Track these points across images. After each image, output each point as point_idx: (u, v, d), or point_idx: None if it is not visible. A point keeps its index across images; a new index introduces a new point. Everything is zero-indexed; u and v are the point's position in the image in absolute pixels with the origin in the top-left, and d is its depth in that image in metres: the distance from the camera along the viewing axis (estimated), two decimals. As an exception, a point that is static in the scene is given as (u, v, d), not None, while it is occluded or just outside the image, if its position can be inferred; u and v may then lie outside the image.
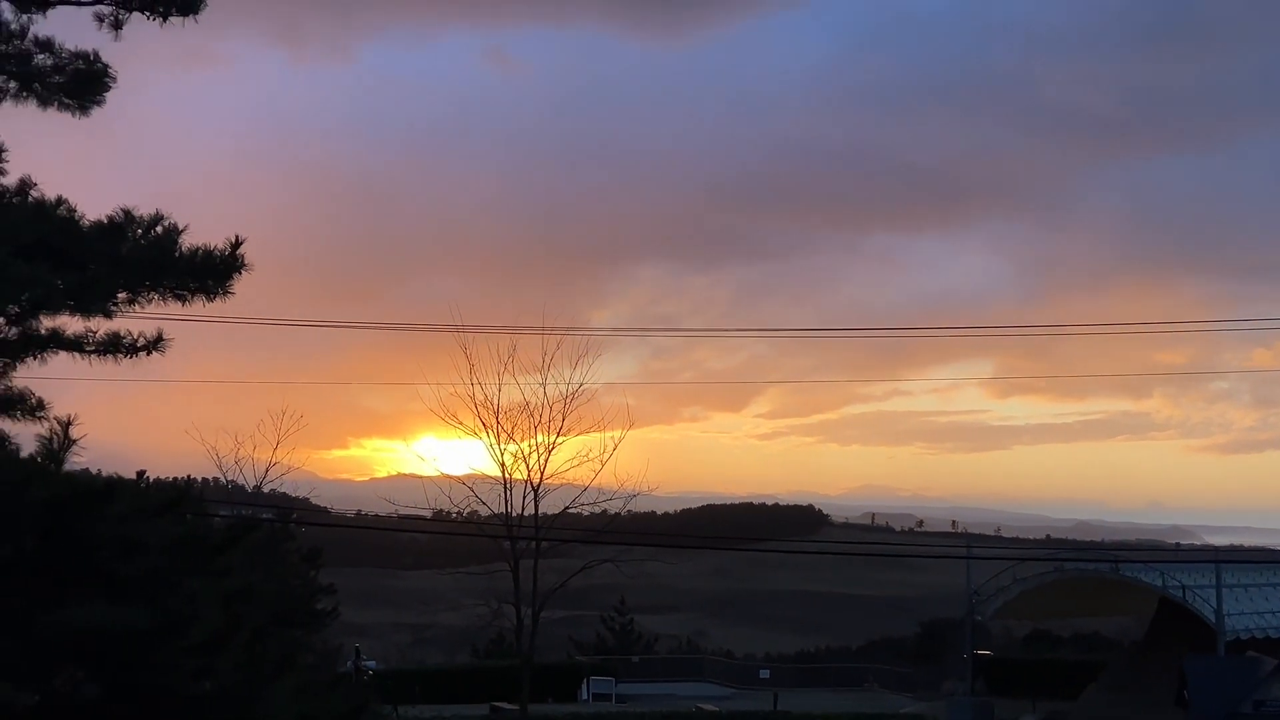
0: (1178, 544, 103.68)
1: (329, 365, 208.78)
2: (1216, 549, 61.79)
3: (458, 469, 44.03)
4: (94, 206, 15.47)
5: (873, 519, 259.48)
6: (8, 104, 15.69)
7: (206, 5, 15.44)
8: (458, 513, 45.51)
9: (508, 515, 42.25)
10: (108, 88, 15.84)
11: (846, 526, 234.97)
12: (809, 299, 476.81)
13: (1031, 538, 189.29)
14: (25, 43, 15.42)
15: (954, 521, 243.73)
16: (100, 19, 15.52)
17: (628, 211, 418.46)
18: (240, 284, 16.01)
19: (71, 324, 15.96)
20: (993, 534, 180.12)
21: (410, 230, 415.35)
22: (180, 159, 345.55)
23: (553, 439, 42.57)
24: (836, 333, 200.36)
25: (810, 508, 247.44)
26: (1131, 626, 66.04)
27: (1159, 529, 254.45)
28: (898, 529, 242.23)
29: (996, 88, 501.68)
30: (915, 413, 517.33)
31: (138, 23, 15.57)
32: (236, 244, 15.80)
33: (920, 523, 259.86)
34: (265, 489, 42.71)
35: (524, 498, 42.34)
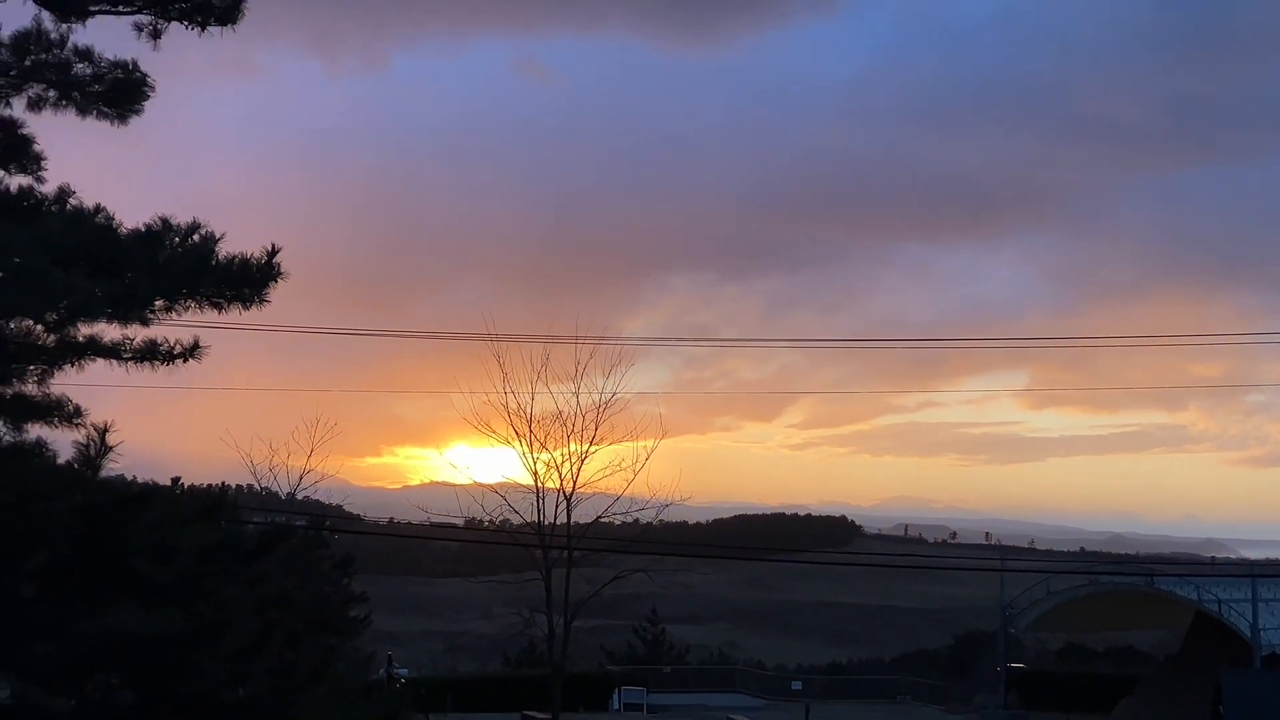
0: (1213, 558, 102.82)
1: (363, 373, 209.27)
2: (1252, 563, 61.35)
3: (490, 477, 44.16)
4: (132, 215, 15.57)
5: (905, 530, 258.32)
6: (47, 112, 15.81)
7: (244, 15, 15.53)
8: (490, 521, 45.59)
9: (540, 524, 42.27)
10: (146, 96, 15.94)
11: (879, 538, 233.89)
12: (842, 309, 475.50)
13: (1065, 550, 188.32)
14: (65, 52, 15.53)
15: (987, 533, 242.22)
16: (139, 28, 15.61)
17: (660, 221, 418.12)
18: (276, 292, 16.07)
19: (109, 331, 16.05)
20: (1026, 546, 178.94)
21: (443, 238, 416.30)
22: (217, 168, 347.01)
23: (585, 448, 42.64)
24: (869, 343, 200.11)
25: (843, 519, 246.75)
26: (1166, 640, 65.56)
27: (1194, 542, 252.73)
28: (931, 541, 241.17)
29: (1031, 98, 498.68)
30: (948, 424, 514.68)
31: (176, 32, 15.66)
32: (273, 252, 15.86)
33: (953, 534, 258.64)
34: (299, 496, 42.92)
35: (556, 506, 42.41)
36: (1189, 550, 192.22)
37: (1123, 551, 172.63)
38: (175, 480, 16.62)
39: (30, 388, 16.47)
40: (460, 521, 44.73)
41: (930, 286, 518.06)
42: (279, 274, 15.94)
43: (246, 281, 15.72)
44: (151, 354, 16.27)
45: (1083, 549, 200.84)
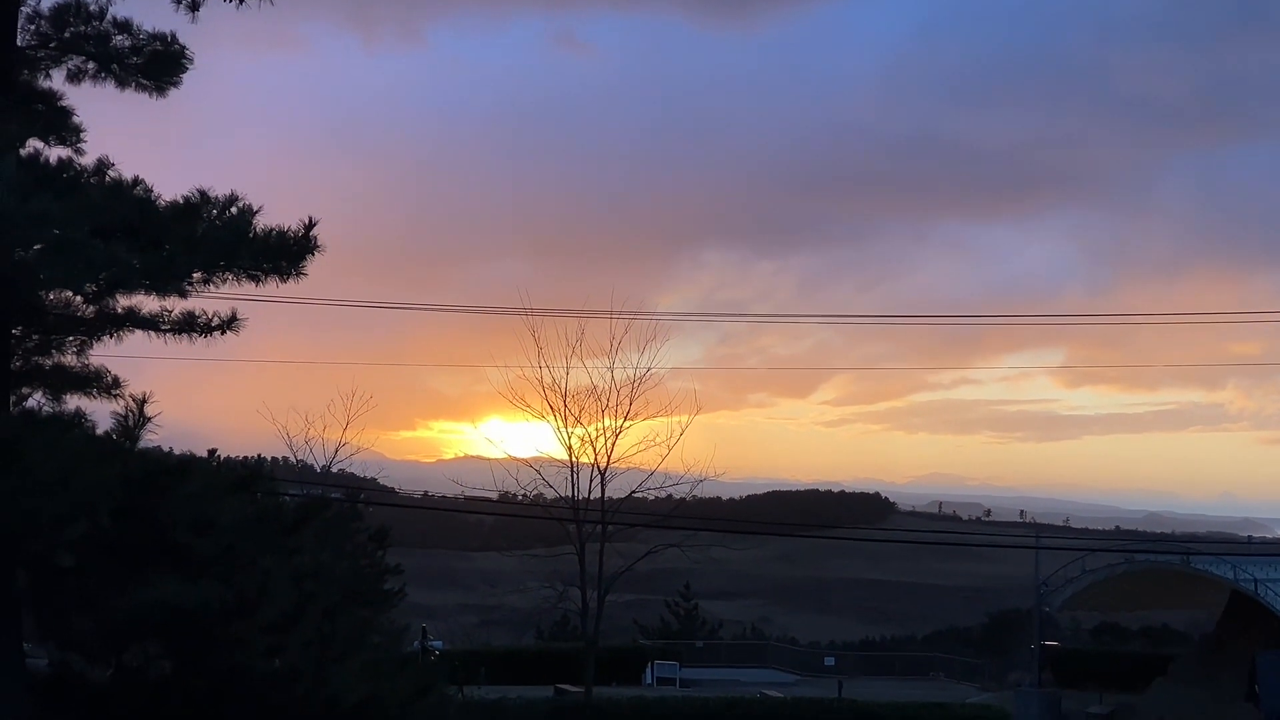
0: (1250, 536, 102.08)
1: (398, 347, 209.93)
2: (1290, 542, 60.98)
3: (524, 451, 44.08)
4: (170, 187, 15.64)
5: (940, 508, 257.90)
6: (86, 84, 15.88)
7: (281, -12, 15.54)
8: (524, 495, 45.60)
9: (574, 498, 42.29)
10: (185, 69, 15.99)
11: (913, 515, 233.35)
12: (877, 286, 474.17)
13: (1101, 529, 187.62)
14: (104, 24, 15.58)
15: (1022, 511, 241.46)
16: (178, 1, 15.65)
17: (695, 197, 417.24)
18: (313, 265, 16.11)
19: (147, 303, 16.15)
20: (1061, 524, 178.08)
21: (480, 213, 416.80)
22: (255, 141, 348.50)
23: (620, 423, 42.55)
24: (904, 320, 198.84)
25: (876, 495, 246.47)
26: (1202, 620, 65.24)
27: (1231, 521, 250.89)
28: (965, 518, 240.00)
29: (1069, 75, 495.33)
30: (984, 401, 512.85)
31: (214, 5, 15.69)
32: (310, 226, 15.89)
33: (988, 512, 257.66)
34: (334, 469, 43.01)
35: (590, 481, 42.37)
36: (1225, 529, 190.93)
37: (1158, 530, 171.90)
38: (212, 452, 16.70)
39: (69, 359, 16.60)
40: (494, 495, 44.68)
41: (966, 264, 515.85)
42: (316, 247, 15.99)
43: (284, 254, 15.77)
44: (189, 326, 16.37)
45: (1118, 527, 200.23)
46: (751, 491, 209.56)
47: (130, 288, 15.08)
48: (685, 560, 46.21)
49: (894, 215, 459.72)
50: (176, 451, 16.98)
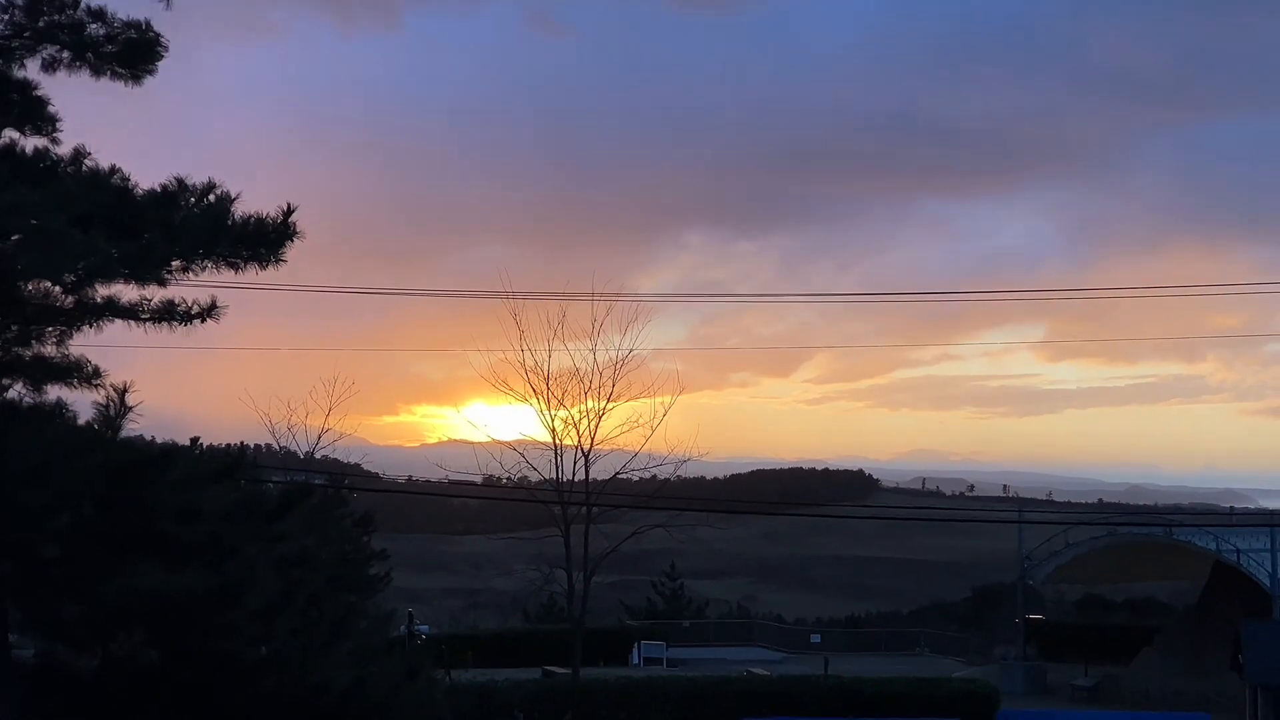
0: (1232, 508, 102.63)
1: (380, 332, 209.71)
2: (1271, 512, 61.21)
3: (508, 435, 44.02)
4: (147, 175, 15.59)
5: (923, 484, 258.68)
6: (61, 73, 15.78)
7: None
8: (508, 478, 45.57)
9: (558, 481, 42.29)
10: (160, 56, 15.90)
11: (897, 491, 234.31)
12: (858, 264, 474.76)
13: (1084, 502, 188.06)
14: (78, 12, 15.49)
15: (1005, 486, 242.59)
16: (151, -12, 15.57)
17: (675, 177, 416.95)
18: (292, 252, 16.08)
19: (126, 292, 16.09)
20: (1044, 499, 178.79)
21: (460, 197, 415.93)
22: (232, 127, 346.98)
23: (603, 405, 42.52)
24: (885, 298, 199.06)
25: (860, 473, 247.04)
26: (1185, 591, 65.61)
27: (1213, 493, 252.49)
28: (948, 494, 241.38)
29: (1048, 49, 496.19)
30: (966, 377, 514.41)
31: (189, -8, 15.62)
32: (288, 212, 15.86)
33: (971, 487, 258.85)
34: (318, 455, 42.93)
35: (574, 463, 42.36)
36: (1208, 500, 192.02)
37: (1141, 503, 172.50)
38: (195, 440, 16.67)
39: (49, 349, 16.52)
40: (478, 479, 44.63)
41: (947, 240, 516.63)
42: (295, 233, 15.96)
43: (263, 241, 15.75)
44: (169, 314, 16.31)
45: (1101, 500, 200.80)
46: (735, 471, 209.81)
47: (109, 277, 15.03)
48: (670, 540, 46.25)
49: (874, 193, 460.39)
50: (159, 440, 16.95)
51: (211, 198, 15.51)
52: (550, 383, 42.15)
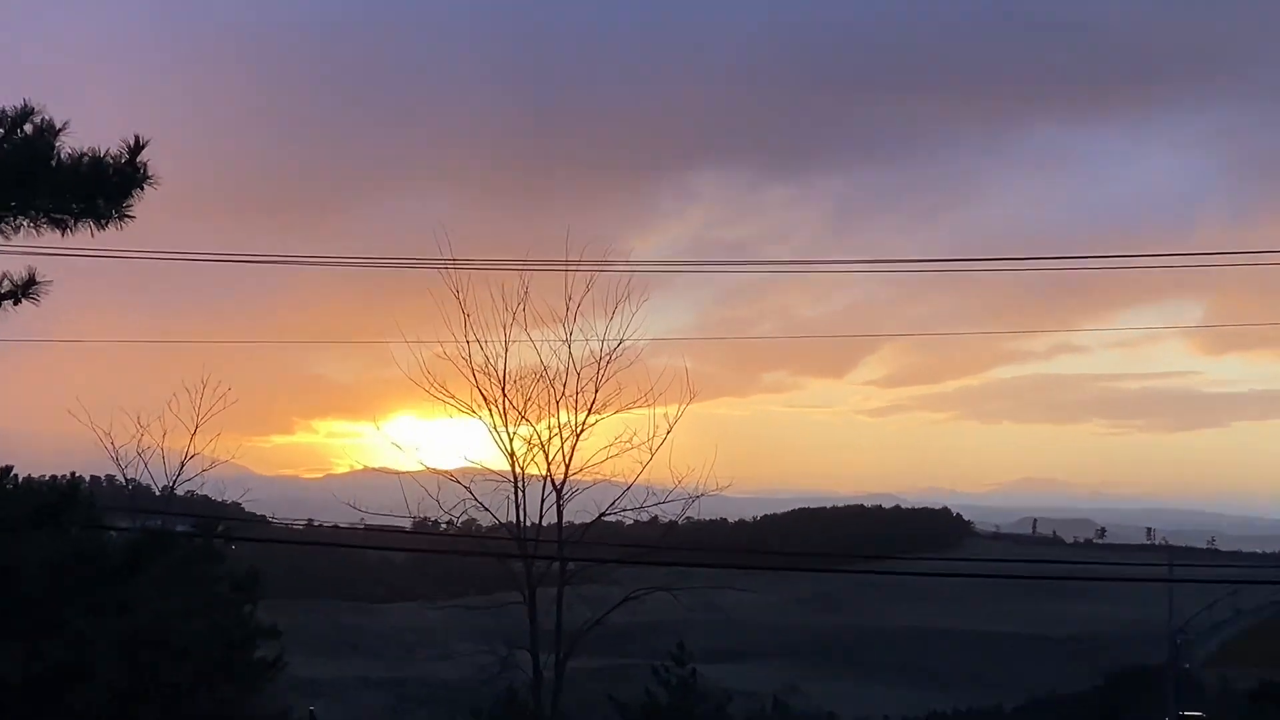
0: None
1: (270, 319, 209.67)
2: None
3: (449, 461, 44.15)
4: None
5: (1034, 527, 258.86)
6: None
7: None
8: (450, 522, 45.69)
9: (520, 525, 42.38)
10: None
11: (997, 538, 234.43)
12: (939, 218, 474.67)
13: (1260, 551, 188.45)
14: None
15: (1150, 530, 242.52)
16: None
17: (681, 102, 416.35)
18: (143, 204, 16.04)
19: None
20: (1205, 547, 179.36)
21: (382, 129, 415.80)
22: (59, 31, 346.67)
23: (582, 418, 42.64)
24: (978, 265, 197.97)
25: (945, 511, 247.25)
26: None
27: None
28: (1069, 540, 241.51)
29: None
30: (1092, 376, 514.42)
31: None
32: (137, 147, 15.83)
33: (1101, 532, 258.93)
34: (180, 491, 43.01)
35: (543, 500, 42.45)
36: None
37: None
38: (7, 470, 16.67)
39: None
40: (407, 524, 44.73)
41: (1065, 184, 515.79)
42: (147, 178, 15.91)
43: (101, 188, 15.71)
44: (-33, 293, 16.32)
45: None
46: (769, 510, 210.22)
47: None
48: (678, 609, 46.34)
49: (962, 118, 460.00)
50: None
51: (27, 128, 15.50)
52: (508, 387, 42.27)
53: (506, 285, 42.61)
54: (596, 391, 42.51)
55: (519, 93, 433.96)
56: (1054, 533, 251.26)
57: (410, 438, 46.41)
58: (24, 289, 16.42)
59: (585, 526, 43.89)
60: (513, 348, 42.35)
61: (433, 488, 43.00)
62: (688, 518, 45.67)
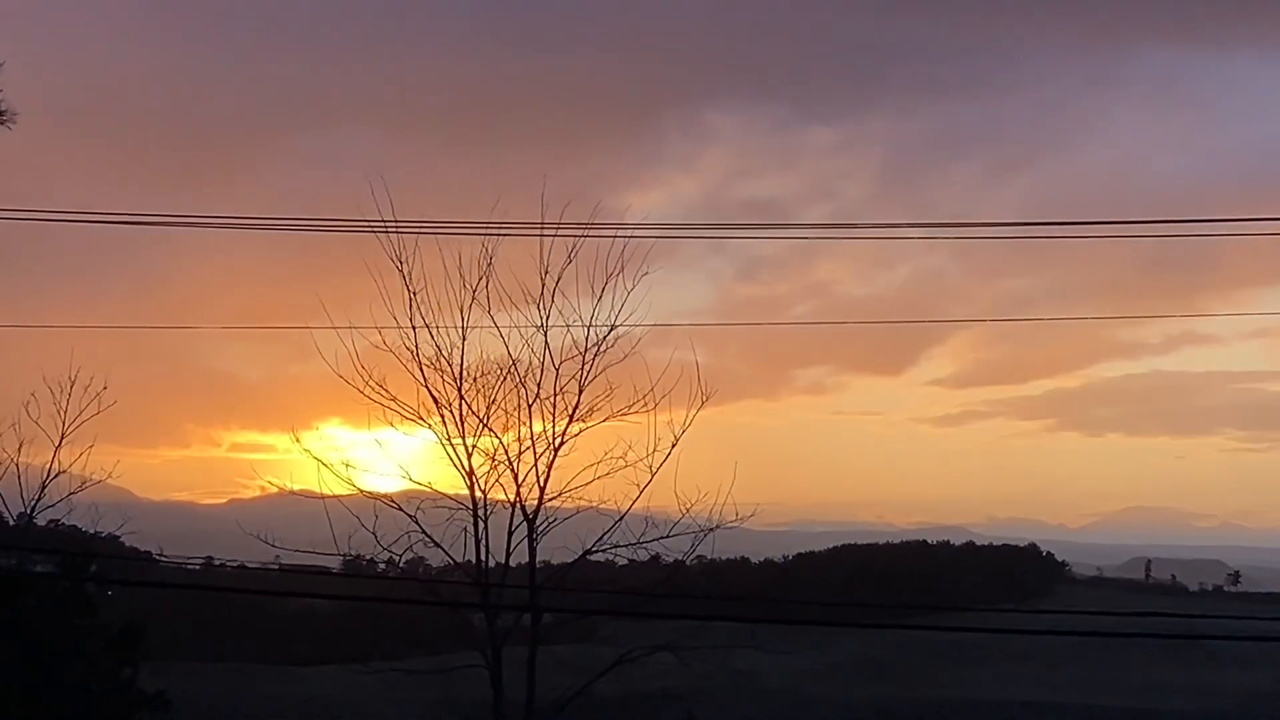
0: None
1: (156, 296, 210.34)
2: None
3: (389, 483, 44.24)
4: None
5: (1147, 571, 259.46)
6: None
7: None
8: (389, 562, 45.76)
9: (481, 566, 42.47)
10: None
11: (1099, 583, 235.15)
12: (1023, 166, 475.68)
13: None
14: None
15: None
16: None
17: (694, 17, 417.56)
18: (-4, 147, 16.14)
19: None
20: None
21: (306, 50, 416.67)
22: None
23: (561, 427, 42.70)
24: (1074, 230, 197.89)
25: (1031, 550, 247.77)
26: None
27: None
28: (1192, 588, 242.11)
29: None
30: (1223, 375, 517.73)
31: None
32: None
33: (1234, 576, 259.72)
34: (40, 520, 43.08)
35: (510, 534, 42.54)
36: None
37: None
38: None
39: None
40: (336, 564, 44.88)
41: (1184, 121, 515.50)
42: (3, 114, 16.04)
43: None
44: None
45: None
46: (804, 548, 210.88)
47: None
48: (686, 674, 46.50)
49: (1051, 37, 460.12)
50: None
51: None
52: (465, 387, 42.30)
53: (465, 254, 42.71)
54: (580, 392, 42.66)
55: (487, 16, 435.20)
56: (1173, 577, 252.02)
57: (339, 452, 46.51)
58: None
59: (566, 567, 44.07)
60: (472, 335, 42.49)
61: (368, 517, 43.14)
62: (699, 556, 45.82)
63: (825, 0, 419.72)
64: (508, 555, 42.62)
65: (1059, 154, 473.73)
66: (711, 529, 43.58)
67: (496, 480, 42.39)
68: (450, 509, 42.74)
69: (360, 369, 42.88)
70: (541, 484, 42.23)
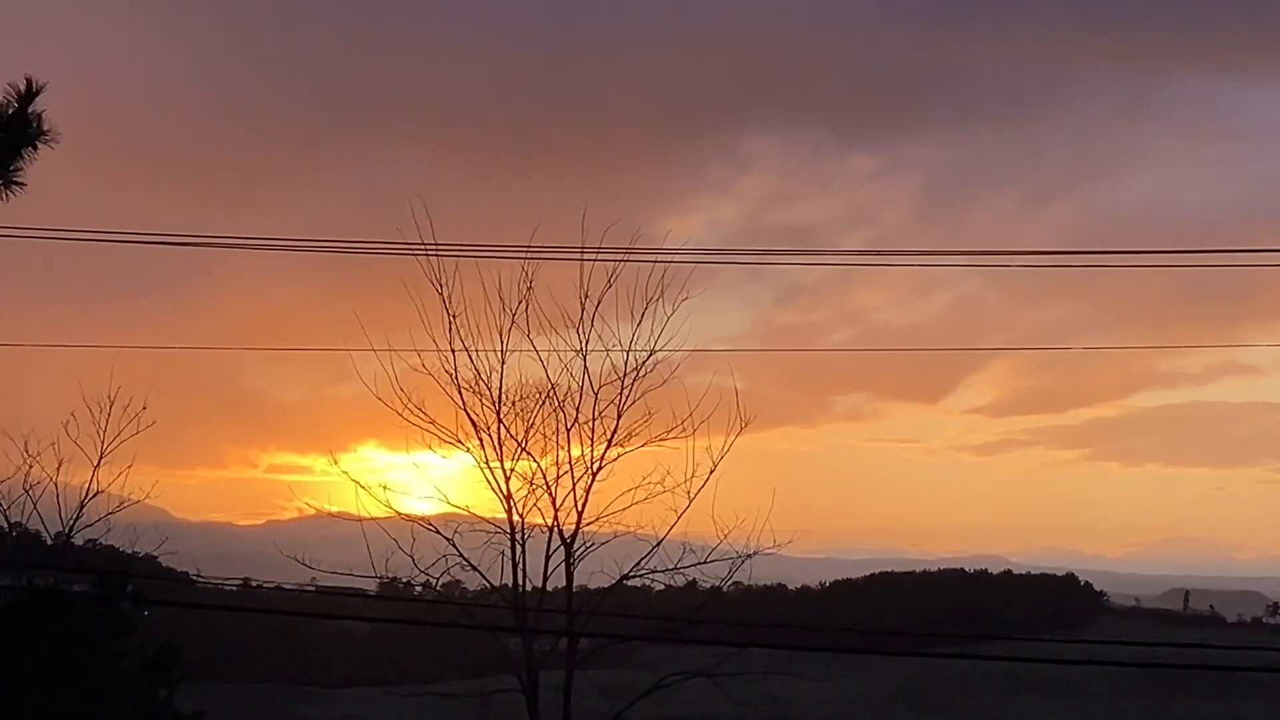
0: None
1: (196, 316, 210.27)
2: None
3: (426, 506, 44.20)
4: None
5: (1186, 601, 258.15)
6: None
7: None
8: (426, 585, 45.74)
9: (518, 590, 42.45)
10: None
11: (1137, 614, 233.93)
12: (1062, 193, 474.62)
13: None
14: None
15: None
16: None
17: (733, 44, 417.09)
18: (38, 168, 16.13)
19: None
20: None
21: (348, 77, 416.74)
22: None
23: (599, 452, 42.67)
24: (1114, 259, 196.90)
25: (1070, 580, 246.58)
26: None
27: None
28: (1230, 619, 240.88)
29: None
30: (1263, 405, 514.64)
31: None
32: (29, 94, 15.93)
33: (1274, 607, 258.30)
34: (78, 540, 43.10)
35: (548, 558, 42.52)
36: None
37: None
38: None
39: None
40: (372, 586, 44.84)
41: (1224, 150, 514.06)
42: (41, 133, 16.02)
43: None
44: None
45: None
46: (841, 575, 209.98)
47: None
48: (722, 699, 46.40)
49: (1091, 66, 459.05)
50: None
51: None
52: (504, 410, 42.30)
53: (505, 277, 42.76)
54: (619, 417, 42.67)
55: (524, 29, 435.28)
56: (1211, 608, 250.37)
57: (377, 475, 46.51)
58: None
59: (603, 592, 44.00)
60: (511, 359, 42.53)
61: (405, 540, 43.12)
62: (736, 583, 45.78)
63: (864, 27, 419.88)
64: (545, 579, 42.60)
65: (1098, 182, 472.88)
66: (749, 555, 43.57)
67: (534, 504, 42.43)
68: (488, 532, 42.75)
69: (399, 391, 42.98)
70: (579, 508, 42.24)
